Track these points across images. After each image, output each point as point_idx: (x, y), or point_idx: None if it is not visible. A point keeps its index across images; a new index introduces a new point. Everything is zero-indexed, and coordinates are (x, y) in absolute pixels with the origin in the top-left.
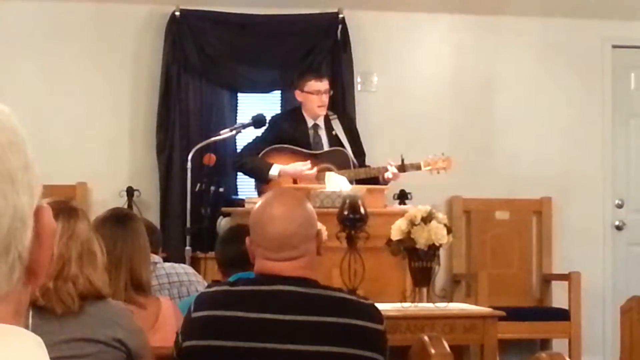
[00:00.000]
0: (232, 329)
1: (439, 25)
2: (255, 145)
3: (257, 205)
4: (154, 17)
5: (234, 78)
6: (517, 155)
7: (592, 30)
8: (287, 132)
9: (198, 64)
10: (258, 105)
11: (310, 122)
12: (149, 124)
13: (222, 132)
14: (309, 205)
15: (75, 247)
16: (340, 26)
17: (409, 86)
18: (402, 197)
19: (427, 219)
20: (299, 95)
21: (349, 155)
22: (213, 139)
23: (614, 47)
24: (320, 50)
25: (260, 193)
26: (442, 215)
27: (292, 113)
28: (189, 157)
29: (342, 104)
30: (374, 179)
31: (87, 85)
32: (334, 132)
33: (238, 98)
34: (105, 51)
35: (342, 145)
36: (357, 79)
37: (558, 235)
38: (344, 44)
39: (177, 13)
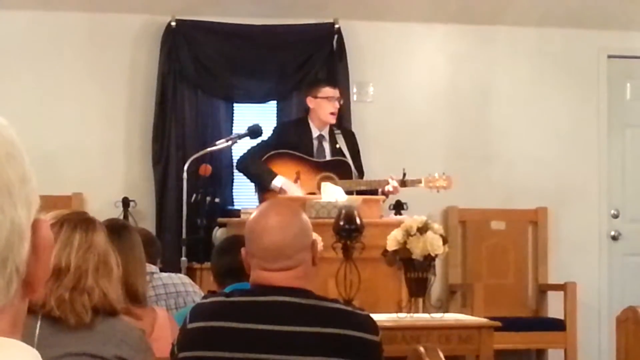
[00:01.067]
0: (228, 340)
1: (435, 35)
2: (260, 150)
3: (252, 216)
4: (149, 27)
5: (230, 88)
6: (513, 165)
7: (588, 40)
8: (292, 139)
9: (194, 74)
10: (254, 115)
11: (315, 133)
12: (145, 134)
13: (218, 142)
14: (304, 216)
15: (93, 259)
16: (336, 36)
17: (405, 96)
18: (398, 207)
19: (422, 229)
20: (311, 102)
21: (351, 166)
22: (209, 149)
23: (610, 57)
24: (316, 60)
25: (261, 201)
26: (437, 226)
27: (298, 122)
28: (185, 167)
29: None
30: (373, 192)
31: (82, 96)
32: (337, 146)
33: (234, 108)
34: (101, 61)
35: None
36: (353, 89)
37: (554, 246)
38: (340, 54)
39: (173, 23)
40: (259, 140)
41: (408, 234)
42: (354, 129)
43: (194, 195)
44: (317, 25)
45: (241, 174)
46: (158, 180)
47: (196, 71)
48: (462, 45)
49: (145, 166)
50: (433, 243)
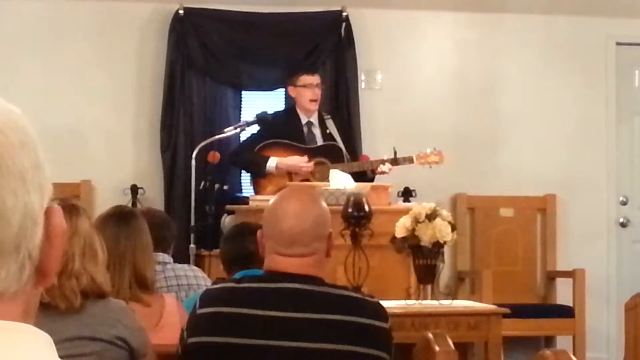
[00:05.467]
0: (237, 326)
1: (443, 22)
2: (250, 142)
3: (273, 200)
4: (157, 15)
5: (238, 76)
6: (521, 152)
7: (596, 28)
8: (282, 129)
9: (202, 62)
10: (262, 103)
11: (304, 120)
12: (153, 122)
13: (226, 130)
14: (325, 206)
15: (78, 243)
16: (344, 24)
17: (413, 84)
18: (407, 194)
19: (431, 216)
20: (292, 91)
21: (343, 149)
22: (217, 136)
23: (618, 44)
24: (324, 48)
25: (255, 189)
26: (446, 213)
27: (286, 112)
28: (193, 155)
29: (346, 101)
30: (362, 173)
31: (91, 84)
32: (328, 131)
33: (242, 96)
34: (109, 49)
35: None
36: (361, 77)
37: (562, 233)
38: (348, 41)
39: (181, 11)
40: (248, 134)
41: (417, 220)
42: (362, 117)
43: (203, 183)
44: (325, 13)
45: (236, 167)
46: (166, 168)
47: (204, 59)
48: (470, 33)
49: (154, 153)
50: (442, 230)
